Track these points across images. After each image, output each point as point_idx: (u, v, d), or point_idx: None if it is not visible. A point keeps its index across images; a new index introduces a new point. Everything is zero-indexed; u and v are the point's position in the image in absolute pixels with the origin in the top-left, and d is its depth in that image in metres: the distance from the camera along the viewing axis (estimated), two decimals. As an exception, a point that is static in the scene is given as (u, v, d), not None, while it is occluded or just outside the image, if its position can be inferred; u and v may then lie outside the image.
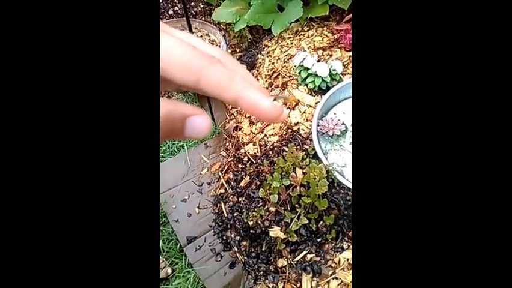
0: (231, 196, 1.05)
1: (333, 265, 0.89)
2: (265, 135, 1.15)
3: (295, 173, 0.87)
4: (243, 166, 1.10)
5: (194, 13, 1.66)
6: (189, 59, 0.14)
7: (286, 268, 0.90)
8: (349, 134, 1.03)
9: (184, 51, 0.14)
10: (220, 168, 1.15)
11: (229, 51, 1.53)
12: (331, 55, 1.24)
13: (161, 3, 1.67)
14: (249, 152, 1.13)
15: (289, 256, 0.91)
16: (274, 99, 0.15)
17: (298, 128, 1.10)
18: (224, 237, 1.00)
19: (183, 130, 0.14)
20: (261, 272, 0.92)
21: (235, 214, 1.00)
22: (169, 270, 0.97)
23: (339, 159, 0.99)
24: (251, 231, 0.93)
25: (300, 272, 0.89)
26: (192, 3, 1.68)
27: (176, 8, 1.67)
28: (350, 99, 1.12)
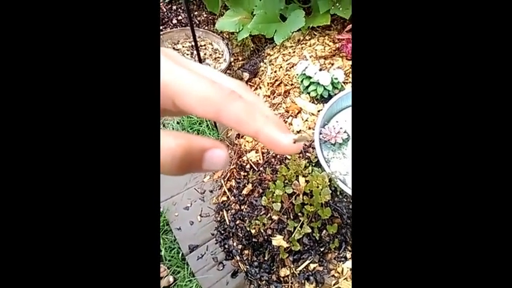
0: (233, 204, 1.05)
1: (336, 275, 0.88)
2: (268, 143, 1.15)
3: (298, 181, 0.87)
4: (246, 174, 1.10)
5: (198, 22, 1.68)
6: (208, 93, 0.14)
7: (289, 277, 0.89)
8: (351, 142, 1.03)
9: (203, 85, 0.14)
10: (223, 176, 1.15)
11: (232, 59, 1.54)
12: (333, 64, 1.25)
13: (165, 13, 1.69)
14: (251, 160, 1.13)
15: (292, 265, 0.90)
16: (295, 142, 0.15)
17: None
18: (226, 246, 0.99)
19: (202, 163, 0.14)
20: (264, 282, 0.91)
21: (237, 222, 1.00)
22: (171, 279, 0.96)
23: (342, 168, 0.99)
24: (253, 239, 0.93)
25: (302, 281, 0.88)
26: (196, 13, 1.71)
27: (180, 18, 1.69)
28: (352, 108, 1.12)
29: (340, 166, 0.99)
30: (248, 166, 1.12)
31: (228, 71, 1.47)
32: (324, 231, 0.87)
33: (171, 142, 0.13)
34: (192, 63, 0.16)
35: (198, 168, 0.14)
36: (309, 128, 1.12)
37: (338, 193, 0.90)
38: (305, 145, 1.06)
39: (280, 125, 0.15)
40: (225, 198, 1.09)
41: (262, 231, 0.90)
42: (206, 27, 1.64)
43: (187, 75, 0.14)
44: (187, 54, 1.53)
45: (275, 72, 1.35)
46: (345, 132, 1.00)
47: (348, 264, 0.88)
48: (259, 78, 1.39)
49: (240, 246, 0.97)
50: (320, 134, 1.00)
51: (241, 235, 0.97)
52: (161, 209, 1.08)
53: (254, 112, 0.15)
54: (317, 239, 0.87)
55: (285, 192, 0.86)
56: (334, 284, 0.86)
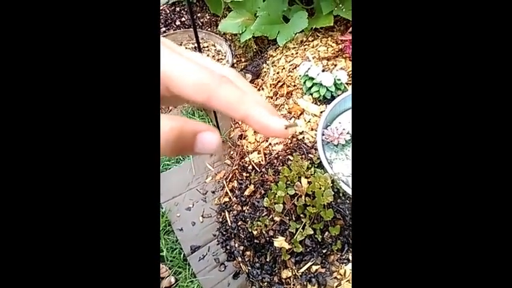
0: (235, 205, 1.05)
1: (338, 277, 0.87)
2: (270, 143, 1.15)
3: (300, 183, 0.87)
4: (248, 175, 1.10)
5: (200, 24, 1.69)
6: (200, 77, 0.14)
7: (291, 279, 0.89)
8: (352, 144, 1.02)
9: (195, 70, 0.15)
10: (225, 177, 1.15)
11: (235, 60, 1.55)
12: (336, 65, 1.25)
13: (169, 14, 1.70)
14: (253, 161, 1.12)
15: (294, 267, 0.90)
16: (286, 128, 0.15)
17: (303, 137, 1.10)
18: (228, 247, 0.99)
19: (194, 146, 0.15)
20: (265, 283, 0.90)
21: (239, 223, 0.99)
22: (173, 280, 0.96)
23: (345, 169, 0.98)
24: (255, 240, 0.92)
25: (305, 283, 0.87)
26: (199, 15, 1.71)
27: (183, 19, 1.70)
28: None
29: (343, 167, 0.99)
30: (250, 167, 1.12)
31: (231, 72, 1.47)
32: (327, 232, 0.86)
33: (165, 124, 0.14)
34: (187, 51, 0.17)
35: (190, 151, 0.15)
36: (312, 129, 1.11)
37: (341, 194, 0.89)
38: (307, 146, 1.06)
39: (270, 110, 0.16)
40: (227, 199, 1.09)
41: (264, 232, 0.89)
42: (209, 29, 1.65)
43: (181, 61, 0.15)
44: (190, 56, 1.53)
45: (278, 73, 1.35)
46: (348, 133, 1.00)
47: (351, 266, 0.87)
48: (262, 80, 1.39)
49: (241, 248, 0.96)
50: (323, 135, 0.99)
51: (243, 236, 0.97)
52: (163, 210, 1.08)
53: (244, 96, 0.15)
54: (319, 240, 0.86)
55: (287, 194, 0.86)
56: (336, 286, 0.85)
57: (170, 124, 0.14)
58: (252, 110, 0.15)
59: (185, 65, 0.15)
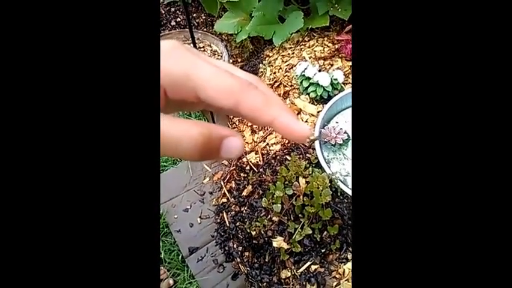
0: (233, 205, 1.04)
1: (337, 276, 0.87)
2: (268, 144, 1.15)
3: (298, 182, 0.87)
4: (245, 175, 1.10)
5: (196, 24, 1.68)
6: (229, 83, 0.15)
7: (290, 279, 0.89)
8: (351, 143, 1.03)
9: (223, 76, 0.15)
10: (222, 177, 1.14)
11: (231, 61, 1.54)
12: (332, 65, 1.25)
13: (164, 15, 1.69)
14: (251, 161, 1.12)
15: (293, 267, 0.90)
16: (310, 141, 0.17)
17: (301, 137, 1.10)
18: (226, 248, 0.99)
19: (220, 151, 0.15)
20: (264, 284, 0.90)
21: (237, 224, 0.99)
22: (171, 282, 0.96)
23: (342, 168, 0.98)
24: (254, 241, 0.92)
25: (304, 283, 0.87)
26: (194, 15, 1.71)
27: (178, 19, 1.69)
28: (352, 108, 1.12)
29: (340, 167, 0.99)
30: (248, 167, 1.12)
31: (227, 73, 1.47)
32: (325, 232, 0.86)
33: (193, 130, 0.14)
34: (209, 58, 0.17)
35: (216, 155, 0.15)
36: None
37: (339, 194, 0.89)
38: (305, 146, 1.06)
39: (294, 115, 0.16)
40: (224, 199, 1.09)
41: (262, 232, 0.89)
42: (205, 29, 1.64)
43: (208, 68, 0.15)
44: (186, 56, 1.53)
45: (274, 73, 1.35)
46: (345, 133, 1.00)
47: (350, 265, 0.88)
48: (259, 80, 1.39)
49: (240, 248, 0.96)
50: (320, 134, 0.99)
51: (241, 237, 0.96)
52: (160, 212, 1.07)
53: (271, 101, 0.16)
54: (318, 240, 0.86)
55: (286, 194, 0.86)
56: (335, 286, 0.86)
57: (199, 129, 0.14)
58: (279, 114, 0.16)
59: (213, 71, 0.15)
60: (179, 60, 0.15)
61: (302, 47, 1.38)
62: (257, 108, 0.15)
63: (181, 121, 0.14)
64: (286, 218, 0.88)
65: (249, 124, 1.26)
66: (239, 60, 1.57)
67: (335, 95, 1.08)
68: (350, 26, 1.23)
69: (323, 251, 0.88)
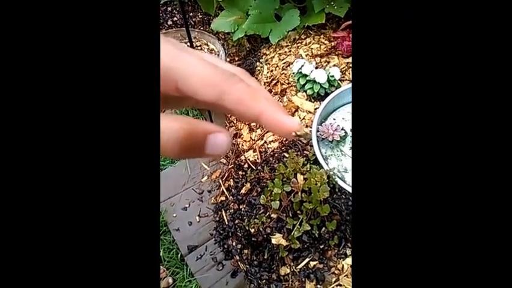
0: (232, 203, 1.05)
1: (336, 272, 0.87)
2: (265, 141, 1.15)
3: (296, 179, 0.87)
4: (244, 173, 1.10)
5: (193, 23, 1.68)
6: (211, 75, 0.14)
7: (289, 276, 0.89)
8: (349, 140, 1.03)
9: (205, 67, 0.14)
10: (221, 176, 1.14)
11: (228, 59, 1.54)
12: (329, 62, 1.25)
13: (160, 14, 1.69)
14: (249, 159, 1.12)
15: (292, 264, 0.90)
16: (296, 135, 0.15)
17: (298, 134, 1.10)
18: (225, 246, 0.99)
19: (204, 147, 0.14)
20: (264, 281, 0.90)
21: (236, 222, 0.99)
22: (170, 280, 0.96)
23: (340, 165, 0.99)
24: (253, 238, 0.92)
25: (303, 279, 0.87)
26: (191, 14, 1.70)
27: (175, 19, 1.69)
28: (349, 105, 1.12)
29: (338, 163, 0.99)
30: (246, 165, 1.12)
31: (224, 71, 1.47)
32: (324, 228, 0.87)
33: (175, 125, 0.13)
34: (194, 50, 0.16)
35: (201, 152, 0.14)
36: (307, 126, 1.12)
37: (337, 190, 0.90)
38: (303, 143, 1.06)
39: (281, 109, 0.15)
40: (223, 198, 1.09)
41: (261, 230, 0.89)
42: (201, 28, 1.64)
43: (190, 59, 0.14)
44: (183, 55, 1.53)
45: (271, 71, 1.35)
46: (342, 129, 1.00)
47: (348, 261, 0.88)
48: (256, 78, 1.39)
49: (239, 246, 0.96)
50: (318, 131, 1.00)
51: (240, 234, 0.97)
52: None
53: (257, 94, 0.15)
54: (317, 236, 0.86)
55: (284, 190, 0.86)
56: (335, 281, 0.86)
57: (179, 124, 0.13)
58: (266, 107, 0.15)
59: (195, 63, 0.14)
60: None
61: (299, 44, 1.38)
62: (242, 101, 0.14)
63: (163, 116, 0.13)
64: (284, 214, 0.88)
65: (247, 122, 1.26)
66: (236, 58, 1.57)
67: (332, 92, 1.09)
68: (346, 23, 1.23)
69: (321, 247, 0.89)
